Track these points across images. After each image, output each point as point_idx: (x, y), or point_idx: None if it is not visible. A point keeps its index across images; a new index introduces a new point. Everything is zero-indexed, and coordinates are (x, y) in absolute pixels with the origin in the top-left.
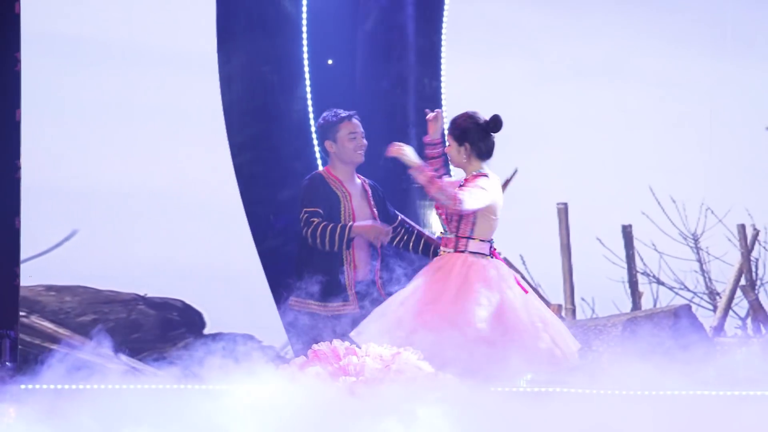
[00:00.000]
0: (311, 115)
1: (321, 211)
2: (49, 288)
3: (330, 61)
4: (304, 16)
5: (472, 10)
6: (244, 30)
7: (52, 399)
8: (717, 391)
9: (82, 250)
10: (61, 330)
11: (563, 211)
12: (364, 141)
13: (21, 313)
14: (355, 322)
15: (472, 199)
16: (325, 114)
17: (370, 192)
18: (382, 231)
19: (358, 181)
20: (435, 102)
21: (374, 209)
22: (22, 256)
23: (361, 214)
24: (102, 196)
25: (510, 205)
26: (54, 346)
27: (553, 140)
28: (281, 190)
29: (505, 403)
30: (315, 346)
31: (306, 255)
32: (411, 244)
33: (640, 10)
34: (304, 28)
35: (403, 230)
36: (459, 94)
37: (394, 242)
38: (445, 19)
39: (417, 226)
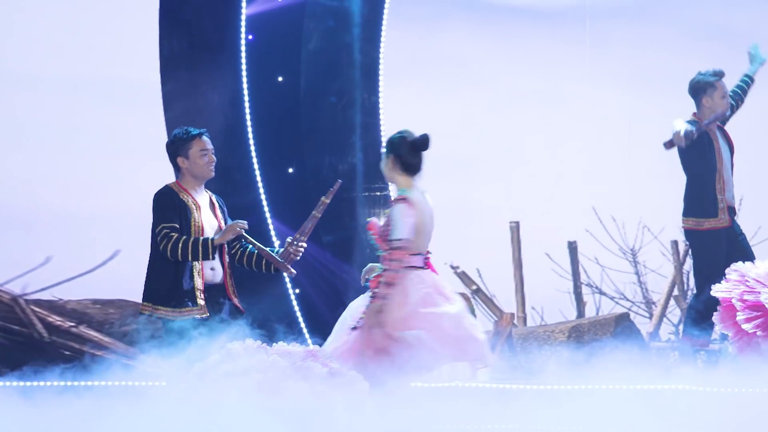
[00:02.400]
0: (249, 129)
1: (177, 225)
2: (95, 301)
3: (280, 78)
4: (243, 38)
5: (418, 37)
6: (186, 51)
7: (99, 395)
8: (651, 386)
9: (123, 268)
10: (105, 338)
11: (515, 229)
12: (214, 157)
13: (70, 324)
14: (207, 327)
15: (402, 234)
16: (176, 131)
17: (217, 204)
18: (237, 225)
19: (206, 194)
20: (374, 115)
21: (221, 221)
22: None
23: (207, 226)
24: (135, 221)
25: (467, 225)
26: (100, 353)
27: (506, 165)
28: (224, 198)
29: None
30: (228, 345)
31: (157, 262)
32: (245, 258)
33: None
34: (243, 48)
35: (239, 245)
36: (399, 110)
37: (231, 255)
38: (383, 38)
39: (257, 244)
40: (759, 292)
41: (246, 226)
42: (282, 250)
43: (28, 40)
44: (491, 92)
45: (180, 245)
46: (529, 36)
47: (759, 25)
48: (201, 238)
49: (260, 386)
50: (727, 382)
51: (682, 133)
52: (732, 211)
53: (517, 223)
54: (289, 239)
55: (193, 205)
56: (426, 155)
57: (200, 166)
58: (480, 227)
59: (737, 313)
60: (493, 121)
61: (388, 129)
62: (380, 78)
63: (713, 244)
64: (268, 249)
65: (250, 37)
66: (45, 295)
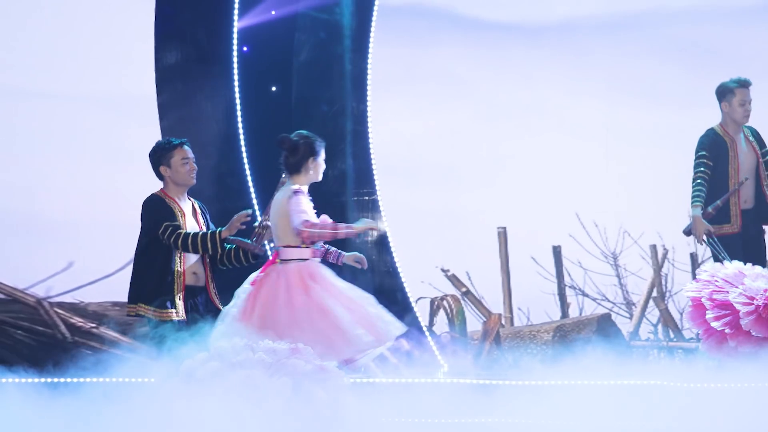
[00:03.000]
0: (242, 136)
1: (178, 223)
2: (115, 304)
3: (274, 88)
4: (235, 49)
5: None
6: (181, 63)
7: (114, 390)
8: (631, 381)
9: None
10: (124, 338)
11: (503, 235)
12: (195, 165)
13: (91, 325)
14: (188, 328)
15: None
16: (158, 141)
17: (199, 211)
18: (241, 216)
19: (190, 201)
20: (363, 123)
21: (202, 226)
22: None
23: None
24: None
25: (457, 230)
26: (119, 352)
27: (493, 173)
28: (216, 204)
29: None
30: (216, 344)
31: (141, 266)
32: (225, 257)
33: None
34: (235, 59)
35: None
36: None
37: (213, 259)
38: (370, 49)
39: (234, 239)
40: (727, 292)
41: (249, 213)
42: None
43: (42, 56)
44: (479, 103)
45: (190, 238)
46: (513, 50)
47: (729, 39)
48: (209, 231)
49: (246, 382)
50: (700, 378)
51: (696, 231)
52: (752, 214)
53: (505, 228)
54: (256, 223)
55: (178, 212)
56: (417, 164)
57: (182, 174)
58: (469, 232)
59: (707, 312)
60: (480, 131)
61: (376, 137)
62: (368, 87)
63: (728, 249)
64: (239, 238)
65: (245, 48)
66: (67, 298)
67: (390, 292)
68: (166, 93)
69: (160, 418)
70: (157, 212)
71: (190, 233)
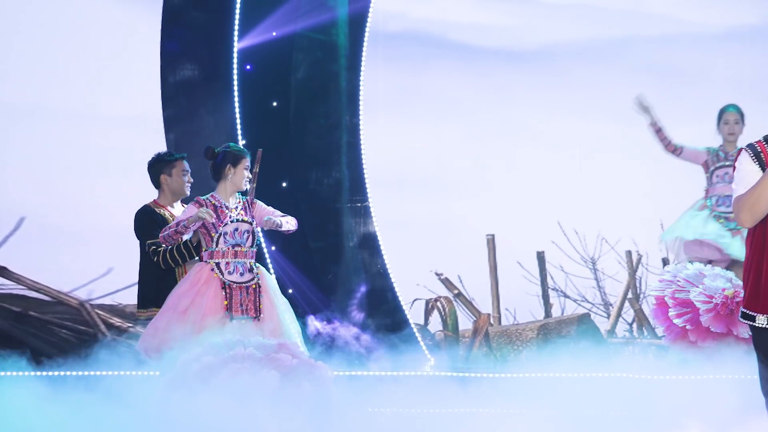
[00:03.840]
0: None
1: (159, 241)
2: None
3: (275, 104)
4: (235, 67)
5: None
6: (185, 80)
7: (120, 382)
8: (610, 374)
9: None
10: None
11: (491, 242)
12: (191, 179)
13: (128, 324)
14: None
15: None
16: (161, 153)
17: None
18: (199, 211)
19: (182, 207)
20: (356, 135)
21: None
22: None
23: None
24: None
25: (450, 237)
26: None
27: (483, 185)
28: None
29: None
30: (211, 340)
31: (145, 272)
32: (184, 250)
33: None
34: (235, 77)
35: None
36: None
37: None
38: (363, 66)
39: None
40: (688, 291)
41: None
42: None
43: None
44: (468, 121)
45: (168, 255)
46: (498, 72)
47: (696, 65)
48: (180, 243)
49: (237, 375)
50: (668, 371)
51: None
52: None
53: (493, 235)
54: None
55: (170, 218)
56: (414, 177)
57: (180, 185)
58: (460, 240)
59: (669, 310)
60: (469, 147)
61: (377, 152)
62: (360, 102)
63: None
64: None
65: (249, 67)
66: (107, 300)
67: (381, 292)
68: (171, 108)
69: (158, 410)
70: (147, 225)
71: (167, 250)
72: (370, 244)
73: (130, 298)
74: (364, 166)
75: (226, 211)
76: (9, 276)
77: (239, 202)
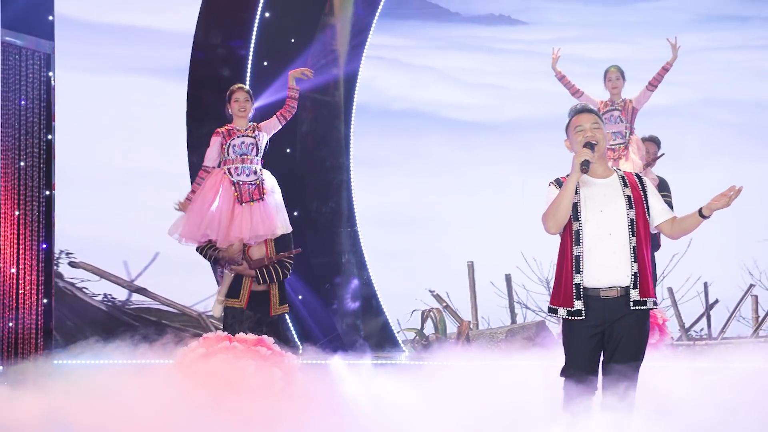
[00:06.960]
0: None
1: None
2: None
3: (288, 150)
4: (248, 79)
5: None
6: (210, 108)
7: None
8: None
9: None
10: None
11: (471, 266)
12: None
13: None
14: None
15: None
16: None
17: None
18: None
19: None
20: (348, 174)
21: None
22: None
23: None
24: None
25: (440, 263)
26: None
27: (467, 224)
28: None
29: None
30: (205, 335)
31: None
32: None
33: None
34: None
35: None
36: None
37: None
38: (353, 118)
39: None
40: None
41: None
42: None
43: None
44: (454, 176)
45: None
46: (477, 139)
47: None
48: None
49: (223, 363)
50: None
51: None
52: None
53: (473, 262)
54: None
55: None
56: (412, 218)
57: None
58: (448, 265)
59: None
60: (455, 195)
61: (386, 199)
62: (351, 147)
63: None
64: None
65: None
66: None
67: (366, 299)
68: (195, 156)
69: (156, 395)
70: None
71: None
72: (358, 260)
73: None
74: (354, 200)
75: (236, 131)
76: (147, 294)
77: (249, 125)
